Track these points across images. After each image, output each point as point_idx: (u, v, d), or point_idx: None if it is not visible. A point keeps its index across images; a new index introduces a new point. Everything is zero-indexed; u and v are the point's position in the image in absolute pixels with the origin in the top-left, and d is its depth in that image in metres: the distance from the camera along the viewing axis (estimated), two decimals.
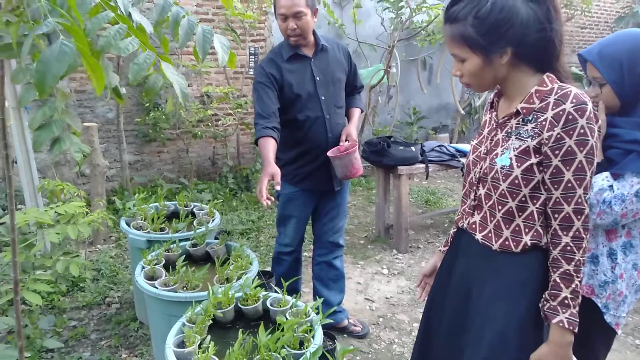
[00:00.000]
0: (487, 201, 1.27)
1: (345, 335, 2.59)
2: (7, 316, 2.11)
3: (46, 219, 2.17)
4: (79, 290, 2.96)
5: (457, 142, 5.92)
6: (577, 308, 1.15)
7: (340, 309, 2.62)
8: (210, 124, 4.71)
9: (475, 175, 1.30)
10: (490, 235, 1.27)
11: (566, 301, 1.15)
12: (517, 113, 1.20)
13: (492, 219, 1.27)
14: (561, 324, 1.15)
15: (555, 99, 1.13)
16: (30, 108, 3.92)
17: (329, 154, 2.21)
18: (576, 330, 1.16)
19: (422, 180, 5.58)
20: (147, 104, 4.42)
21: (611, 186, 1.33)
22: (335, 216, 2.48)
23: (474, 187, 1.31)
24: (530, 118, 1.18)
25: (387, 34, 5.51)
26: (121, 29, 0.96)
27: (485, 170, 1.25)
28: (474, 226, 1.33)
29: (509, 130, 1.22)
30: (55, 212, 2.24)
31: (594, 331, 1.47)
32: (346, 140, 2.26)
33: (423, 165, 3.60)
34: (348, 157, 2.16)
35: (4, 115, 1.06)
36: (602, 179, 1.35)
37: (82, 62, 0.89)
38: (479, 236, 1.31)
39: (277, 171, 1.94)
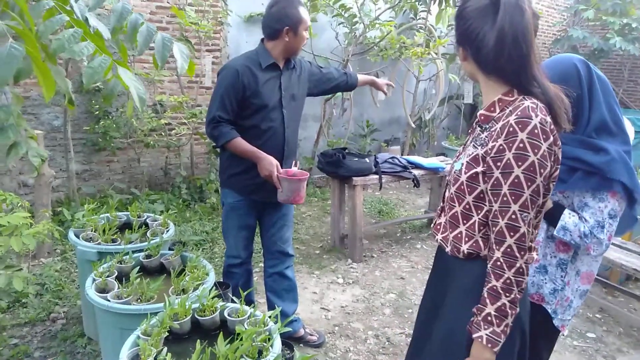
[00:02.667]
0: (445, 204, 1.31)
1: (301, 345, 2.60)
2: None
3: None
4: (21, 306, 2.80)
5: (408, 154, 6.11)
6: (502, 327, 1.11)
7: (296, 318, 2.64)
8: (163, 133, 4.62)
9: (447, 177, 1.33)
10: (447, 237, 1.30)
11: (489, 318, 1.11)
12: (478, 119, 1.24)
13: (446, 222, 1.31)
14: (480, 340, 1.12)
15: (510, 110, 1.13)
16: None
17: (282, 176, 2.19)
18: (496, 350, 1.12)
19: (375, 190, 5.71)
20: (97, 112, 4.28)
21: (581, 218, 1.42)
22: (283, 226, 2.50)
23: (445, 189, 1.34)
24: (487, 126, 1.19)
25: (342, 48, 5.63)
26: (76, 32, 0.94)
27: (450, 173, 1.30)
28: (438, 227, 1.35)
29: (474, 137, 1.24)
30: None
31: (539, 334, 1.57)
32: (295, 165, 2.32)
33: (377, 176, 3.70)
34: (298, 184, 2.17)
35: None
36: (569, 217, 1.43)
37: (33, 67, 0.87)
38: (439, 236, 1.33)
39: (275, 160, 2.18)
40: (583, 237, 1.40)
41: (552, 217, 1.45)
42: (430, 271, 1.46)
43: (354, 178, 3.62)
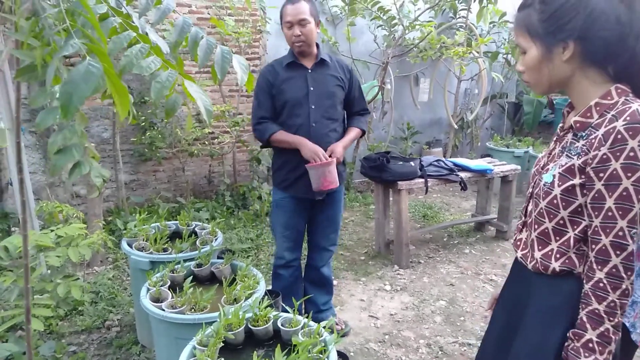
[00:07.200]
0: (530, 218, 1.20)
1: (352, 353, 2.55)
2: (6, 341, 2.05)
3: (47, 241, 2.13)
4: (78, 313, 2.89)
5: (450, 156, 5.95)
6: (605, 355, 1.00)
7: (327, 307, 2.70)
8: (206, 142, 4.70)
9: (530, 190, 1.22)
10: (527, 254, 1.20)
11: (590, 344, 1.01)
12: (572, 127, 1.10)
13: (531, 238, 1.20)
14: None
15: (612, 115, 0.99)
16: (25, 129, 3.88)
17: (307, 165, 2.27)
18: None
19: (419, 194, 5.59)
20: (143, 124, 4.40)
21: None
22: (327, 226, 2.56)
23: (527, 202, 1.24)
24: (583, 134, 1.06)
25: (381, 51, 5.57)
26: (143, 48, 0.95)
27: (534, 185, 1.19)
28: (518, 243, 1.26)
29: (564, 145, 1.12)
30: (56, 234, 2.20)
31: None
32: (330, 155, 2.33)
33: (422, 180, 3.61)
34: (321, 169, 2.22)
35: (20, 139, 1.03)
36: None
37: (107, 83, 0.87)
38: (519, 253, 1.24)
39: (318, 147, 2.25)
40: None
41: None
42: (503, 285, 1.37)
43: (399, 182, 3.54)
